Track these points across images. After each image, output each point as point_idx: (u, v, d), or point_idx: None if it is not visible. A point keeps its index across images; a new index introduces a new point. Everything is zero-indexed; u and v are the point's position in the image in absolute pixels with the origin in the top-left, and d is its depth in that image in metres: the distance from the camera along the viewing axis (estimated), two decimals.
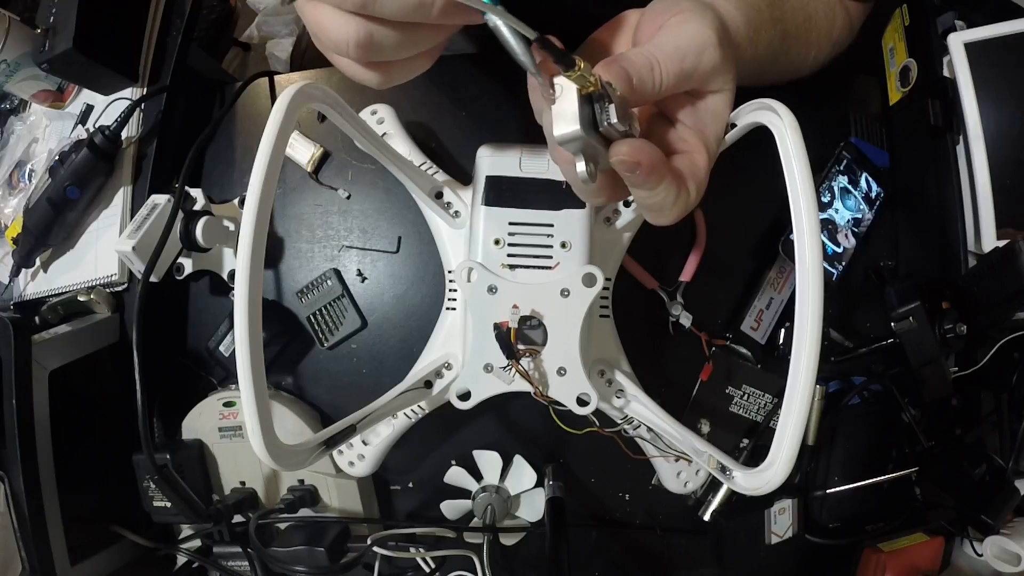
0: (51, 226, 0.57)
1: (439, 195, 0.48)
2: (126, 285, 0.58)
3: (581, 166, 0.28)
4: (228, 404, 0.54)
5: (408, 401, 0.45)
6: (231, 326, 0.52)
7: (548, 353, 0.41)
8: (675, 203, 0.29)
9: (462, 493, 0.54)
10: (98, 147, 0.56)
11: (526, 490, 0.53)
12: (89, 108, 0.64)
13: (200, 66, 0.65)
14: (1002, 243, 0.50)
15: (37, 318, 0.57)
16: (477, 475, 0.54)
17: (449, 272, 0.48)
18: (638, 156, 0.27)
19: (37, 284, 0.62)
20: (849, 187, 0.55)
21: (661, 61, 0.29)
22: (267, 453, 0.31)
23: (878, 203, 0.57)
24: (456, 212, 0.48)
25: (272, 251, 0.57)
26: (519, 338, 0.40)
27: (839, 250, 0.55)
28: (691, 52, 0.29)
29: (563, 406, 0.42)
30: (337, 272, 0.56)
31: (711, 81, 0.31)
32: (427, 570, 0.55)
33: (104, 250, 0.58)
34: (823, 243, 0.54)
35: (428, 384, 0.46)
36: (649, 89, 0.28)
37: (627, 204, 0.48)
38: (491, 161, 0.44)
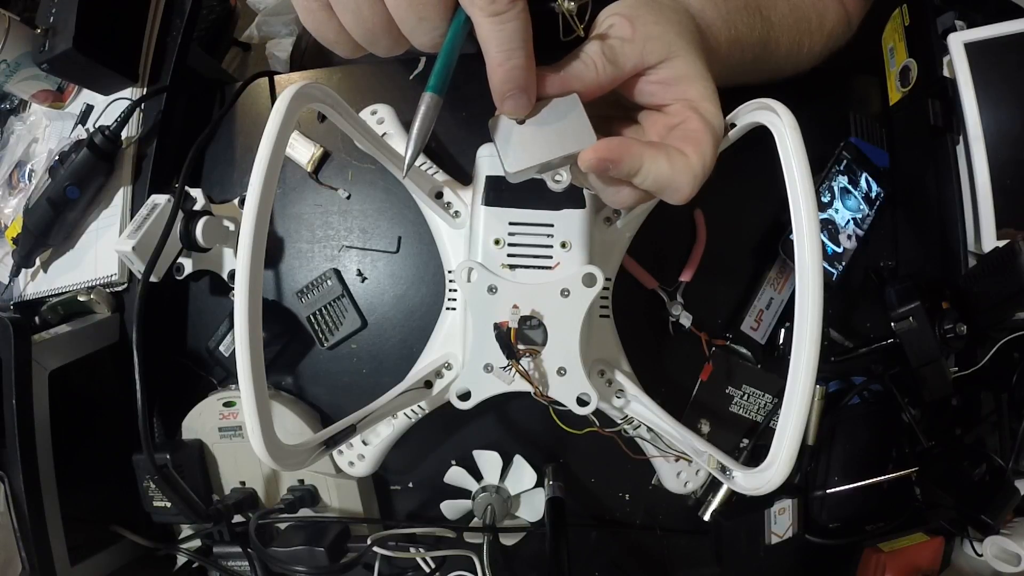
0: (51, 226, 0.57)
1: (439, 195, 0.48)
2: (126, 285, 0.58)
3: (554, 183, 0.33)
4: (228, 404, 0.54)
5: (408, 401, 0.45)
6: (231, 326, 0.52)
7: (548, 353, 0.41)
8: (678, 173, 0.31)
9: (462, 493, 0.54)
10: (98, 147, 0.56)
11: (526, 490, 0.53)
12: (89, 108, 0.64)
13: (200, 66, 0.65)
14: (1002, 243, 0.50)
15: (37, 318, 0.57)
16: (477, 475, 0.54)
17: (449, 272, 0.48)
18: (599, 153, 0.30)
19: (37, 284, 0.62)
20: (849, 187, 0.55)
21: (590, 52, 0.31)
22: (267, 453, 0.31)
23: (878, 203, 0.57)
24: (456, 212, 0.48)
25: (272, 251, 0.57)
26: (519, 338, 0.40)
27: (839, 250, 0.55)
28: (611, 35, 0.32)
29: (563, 406, 0.42)
30: (337, 272, 0.56)
31: (650, 50, 0.32)
32: (427, 570, 0.55)
33: (104, 250, 0.58)
34: (823, 243, 0.54)
35: (428, 384, 0.46)
36: (592, 77, 0.31)
37: None
38: (491, 161, 0.43)
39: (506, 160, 0.32)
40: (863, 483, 0.54)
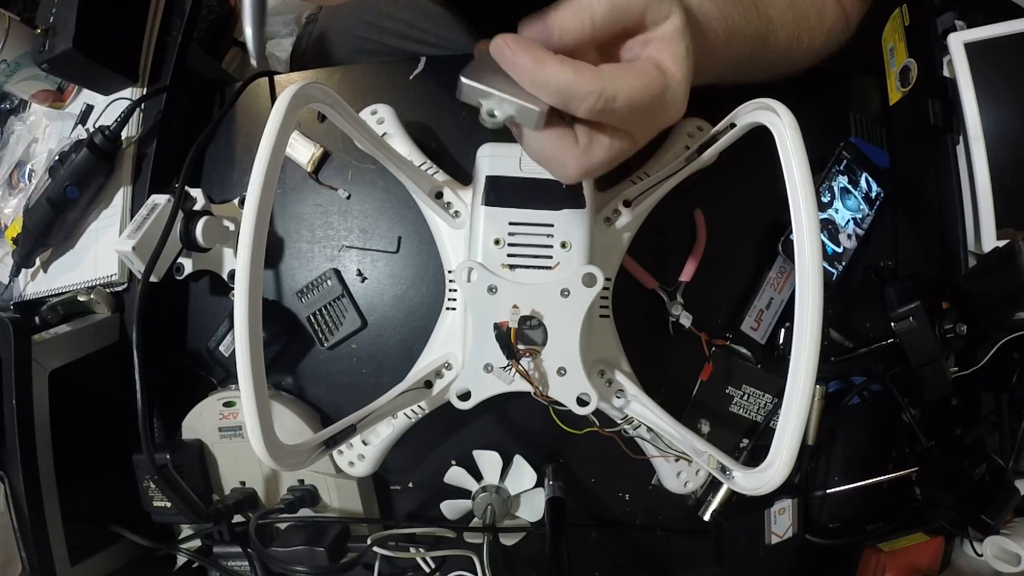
0: (51, 226, 0.57)
1: (439, 195, 0.48)
2: (126, 285, 0.58)
3: (487, 115, 0.32)
4: (228, 404, 0.54)
5: (408, 401, 0.45)
6: (231, 326, 0.52)
7: (548, 353, 0.41)
8: (653, 82, 0.30)
9: (462, 493, 0.54)
10: (98, 147, 0.56)
11: (526, 490, 0.53)
12: (89, 108, 0.64)
13: (200, 66, 0.65)
14: (1002, 243, 0.50)
15: (37, 318, 0.57)
16: (477, 475, 0.54)
17: (449, 272, 0.48)
18: (501, 40, 0.29)
19: (37, 284, 0.62)
20: (849, 187, 0.55)
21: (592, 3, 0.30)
22: (267, 453, 0.31)
23: (878, 203, 0.57)
24: (456, 212, 0.48)
25: (272, 251, 0.57)
26: (519, 338, 0.40)
27: (839, 250, 0.55)
28: None
29: (563, 406, 0.42)
30: (337, 272, 0.56)
31: (650, 9, 0.32)
32: (427, 570, 0.55)
33: (104, 250, 0.58)
34: (823, 243, 0.54)
35: (428, 384, 0.46)
36: (578, 29, 0.30)
37: (627, 204, 0.48)
38: (491, 161, 0.44)
39: (469, 69, 0.32)
40: (863, 483, 0.54)
